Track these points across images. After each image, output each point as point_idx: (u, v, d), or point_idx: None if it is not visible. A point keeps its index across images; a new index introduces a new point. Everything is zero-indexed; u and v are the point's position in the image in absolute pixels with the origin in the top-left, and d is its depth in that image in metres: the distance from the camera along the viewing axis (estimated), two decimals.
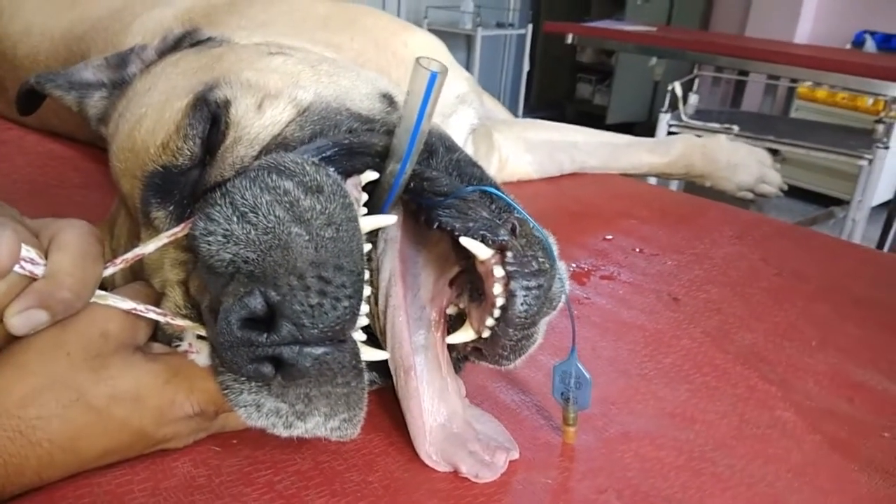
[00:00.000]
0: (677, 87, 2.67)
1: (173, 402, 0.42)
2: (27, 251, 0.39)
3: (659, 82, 4.51)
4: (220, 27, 0.75)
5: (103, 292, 0.43)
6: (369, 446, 0.48)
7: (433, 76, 0.42)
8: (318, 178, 0.39)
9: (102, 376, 0.41)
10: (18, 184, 0.88)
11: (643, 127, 4.78)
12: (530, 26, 4.63)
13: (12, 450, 0.38)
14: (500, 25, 4.78)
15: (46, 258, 0.41)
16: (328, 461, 0.46)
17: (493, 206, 0.47)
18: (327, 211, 0.38)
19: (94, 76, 0.60)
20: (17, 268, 0.39)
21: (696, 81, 3.01)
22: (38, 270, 0.40)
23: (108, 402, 0.40)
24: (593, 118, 4.84)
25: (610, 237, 0.91)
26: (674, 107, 2.71)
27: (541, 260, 0.44)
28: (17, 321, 0.39)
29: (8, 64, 1.08)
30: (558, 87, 5.78)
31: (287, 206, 0.38)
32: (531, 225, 0.46)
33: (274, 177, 0.39)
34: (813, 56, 2.85)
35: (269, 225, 0.38)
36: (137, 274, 0.48)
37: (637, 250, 0.88)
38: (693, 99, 2.83)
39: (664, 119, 2.70)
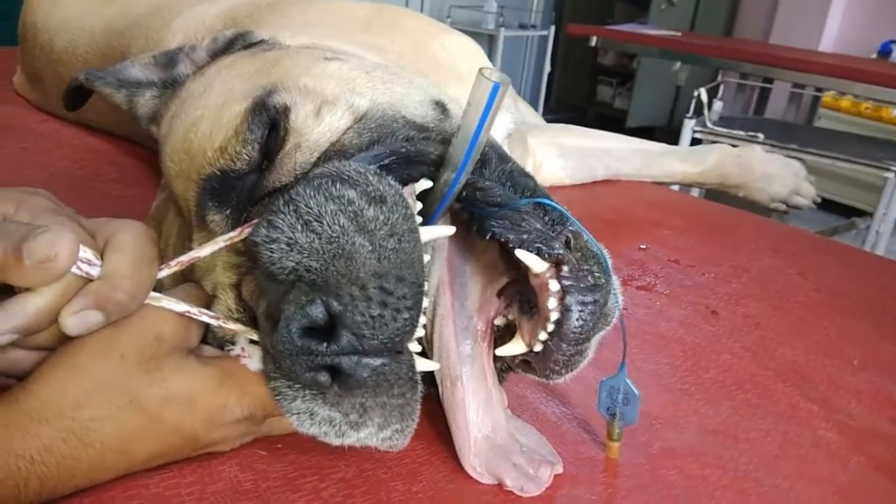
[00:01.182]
0: (703, 94, 2.65)
1: (224, 407, 0.42)
2: (84, 252, 0.39)
3: (681, 87, 4.49)
4: (263, 26, 0.75)
5: (157, 294, 0.43)
6: (413, 455, 0.48)
7: (496, 87, 0.41)
8: (381, 189, 0.39)
9: (156, 379, 0.41)
10: (56, 177, 0.88)
11: (663, 131, 4.75)
12: (553, 28, 4.62)
13: (65, 451, 0.38)
14: (522, 26, 4.78)
15: (102, 259, 0.41)
16: (372, 469, 0.46)
17: (547, 218, 0.46)
18: (390, 222, 0.38)
19: (143, 74, 0.60)
20: (73, 268, 0.39)
21: (721, 87, 2.99)
22: (94, 271, 0.40)
23: (160, 405, 0.40)
24: (613, 121, 4.82)
25: (645, 247, 0.90)
26: (698, 112, 2.69)
27: (596, 275, 0.44)
28: (72, 322, 0.39)
29: (45, 57, 1.09)
30: (579, 89, 5.76)
31: (351, 215, 0.38)
32: (586, 238, 0.45)
33: (338, 186, 0.39)
34: (838, 65, 2.82)
35: (334, 234, 0.37)
36: (187, 276, 0.48)
37: (673, 261, 0.87)
38: (717, 105, 2.81)
39: (689, 125, 2.68)
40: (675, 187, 1.61)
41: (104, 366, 0.40)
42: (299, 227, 0.38)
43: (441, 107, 0.52)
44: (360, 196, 0.38)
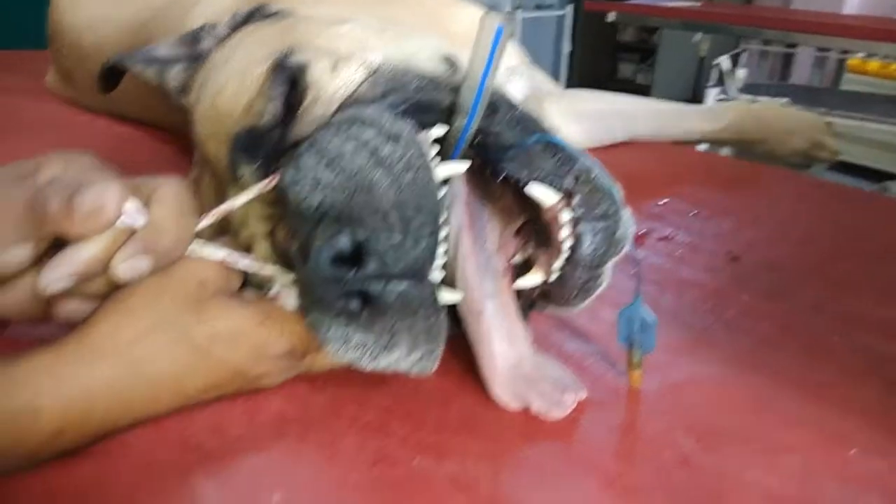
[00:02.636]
0: (724, 62, 2.63)
1: (267, 342, 0.45)
2: (130, 203, 0.43)
3: (704, 58, 4.44)
4: (282, 2, 0.79)
5: (199, 244, 0.46)
6: (445, 386, 0.51)
7: (499, 29, 0.44)
8: (396, 128, 0.42)
9: (203, 318, 0.44)
10: None
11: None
12: (570, 6, 4.60)
13: (126, 385, 0.42)
14: (539, 7, 4.76)
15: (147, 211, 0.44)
16: (408, 398, 0.49)
17: (557, 157, 0.49)
18: (405, 157, 0.41)
19: (169, 52, 0.63)
20: (120, 219, 0.42)
21: (744, 55, 2.96)
22: (140, 222, 0.43)
23: (209, 341, 0.44)
24: None
25: (664, 201, 0.92)
26: (721, 82, 2.67)
27: (607, 204, 0.46)
28: (122, 268, 0.42)
29: (74, 55, 1.14)
30: (600, 67, 5.72)
31: (369, 152, 0.41)
32: (595, 173, 0.48)
33: (356, 127, 0.42)
34: (864, 26, 2.77)
35: (354, 170, 0.40)
36: (224, 231, 0.52)
37: (693, 213, 0.88)
38: (741, 73, 2.79)
39: (711, 94, 2.67)
40: (703, 147, 1.62)
41: (155, 307, 0.44)
42: (323, 166, 0.41)
43: (450, 62, 0.55)
44: (376, 134, 0.41)
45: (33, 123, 1.08)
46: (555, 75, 4.92)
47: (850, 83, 3.55)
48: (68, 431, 0.40)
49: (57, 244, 0.43)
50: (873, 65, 3.50)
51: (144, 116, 1.08)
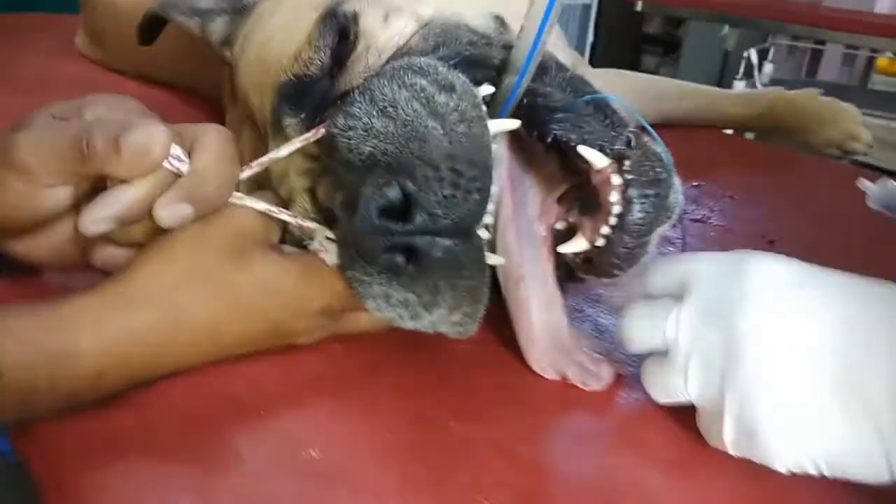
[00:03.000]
0: (753, 55, 2.60)
1: (306, 297, 0.45)
2: (174, 149, 0.42)
3: (729, 53, 4.38)
4: None
5: (239, 194, 0.45)
6: (481, 354, 0.50)
7: None
8: (451, 78, 0.41)
9: (243, 267, 0.43)
10: None
11: None
12: None
13: (163, 330, 0.41)
14: None
15: (189, 158, 0.43)
16: (443, 364, 0.49)
17: (608, 121, 0.48)
18: (460, 108, 0.40)
19: (213, 4, 0.62)
20: (165, 163, 0.41)
21: (771, 50, 2.92)
22: (184, 168, 0.42)
23: (249, 291, 0.43)
24: None
25: (698, 184, 0.90)
26: (748, 75, 2.64)
27: (658, 170, 0.45)
28: (165, 213, 0.41)
29: (108, 13, 1.13)
30: (623, 59, 5.65)
31: (424, 101, 0.40)
32: (646, 138, 0.47)
33: (410, 75, 0.41)
34: (895, 25, 2.72)
35: (408, 118, 0.39)
36: (262, 186, 0.51)
37: (728, 196, 0.87)
38: (768, 68, 2.75)
39: (738, 87, 2.63)
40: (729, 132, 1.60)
41: (196, 255, 0.43)
42: (375, 114, 0.40)
43: (501, 20, 0.53)
44: (431, 83, 0.40)
45: (63, 83, 1.07)
46: None
47: (879, 84, 3.49)
48: (108, 375, 0.40)
49: (96, 189, 0.43)
50: None
51: (176, 80, 1.07)
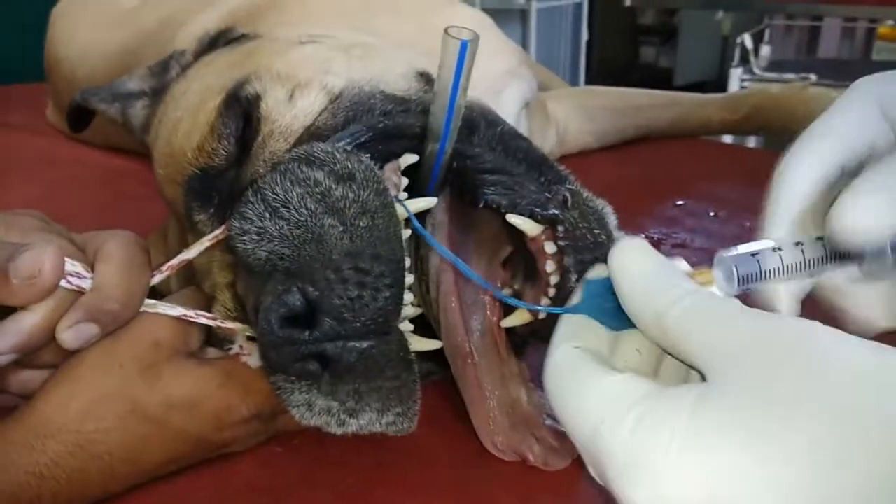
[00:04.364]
0: (747, 40, 2.53)
1: (229, 406, 0.42)
2: (72, 265, 0.39)
3: (728, 37, 4.31)
4: (263, 25, 0.75)
5: (152, 301, 0.42)
6: (433, 440, 0.46)
7: (464, 45, 0.39)
8: (350, 166, 0.38)
9: (156, 385, 0.40)
10: (85, 200, 0.91)
11: (714, 86, 4.58)
12: None
13: (74, 464, 0.39)
14: None
15: (93, 271, 0.41)
16: (392, 458, 0.45)
17: (542, 179, 0.44)
18: (360, 199, 0.37)
19: (136, 86, 0.60)
20: (63, 283, 0.39)
21: (768, 31, 2.85)
22: (86, 284, 0.40)
23: (164, 410, 0.40)
24: (659, 82, 4.66)
25: (681, 202, 0.86)
26: (745, 60, 2.58)
27: (596, 232, 0.41)
28: (68, 336, 0.39)
29: (69, 87, 1.11)
30: (620, 53, 5.60)
31: (318, 197, 0.37)
32: (584, 196, 0.43)
33: (304, 168, 0.37)
34: None
35: (302, 218, 0.36)
36: (191, 280, 0.48)
37: (711, 214, 0.83)
38: (765, 50, 2.68)
39: (735, 74, 2.57)
40: (728, 138, 1.54)
41: (104, 377, 0.40)
42: (268, 216, 0.37)
43: (426, 78, 0.50)
44: (326, 176, 0.37)
45: (30, 160, 1.06)
46: (574, 65, 4.83)
47: (882, 52, 3.40)
48: None
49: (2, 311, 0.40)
50: None
51: (141, 148, 1.05)
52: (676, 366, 0.30)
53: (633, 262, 0.30)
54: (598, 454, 0.26)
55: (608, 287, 0.31)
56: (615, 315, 0.31)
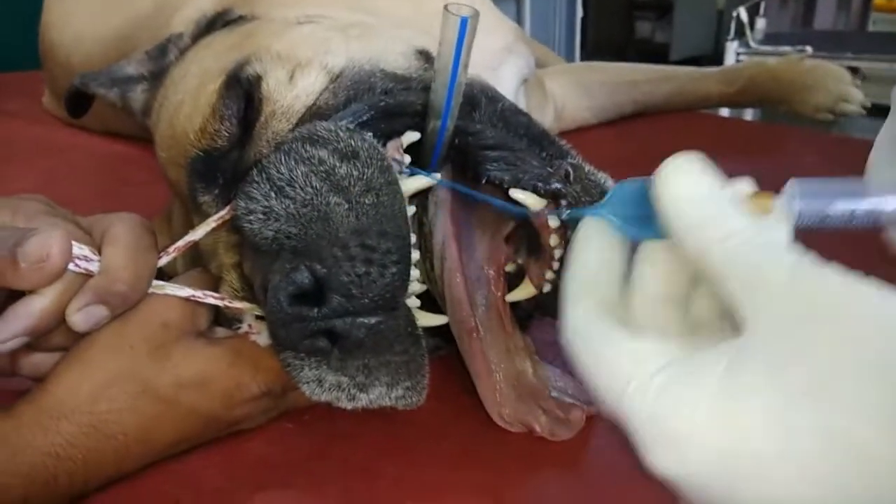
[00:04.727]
0: (742, 13, 2.52)
1: (239, 384, 0.42)
2: (80, 249, 0.40)
3: (723, 11, 4.29)
4: (259, 7, 0.75)
5: (160, 282, 0.43)
6: (440, 414, 0.47)
7: (464, 21, 0.39)
8: (353, 144, 0.38)
9: (166, 366, 0.41)
10: (85, 186, 0.91)
11: (710, 60, 4.56)
12: None
13: (89, 444, 0.39)
14: None
15: (100, 254, 0.41)
16: (401, 432, 0.46)
17: (545, 154, 0.44)
18: (365, 176, 0.37)
19: (135, 70, 0.60)
20: (71, 266, 0.39)
21: (763, 4, 2.84)
22: (93, 267, 0.40)
23: (174, 390, 0.41)
24: (655, 57, 4.64)
25: None
26: (741, 33, 2.57)
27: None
28: (78, 318, 0.39)
29: (65, 73, 1.11)
30: (615, 29, 5.56)
31: (323, 175, 0.37)
32: (586, 170, 0.43)
33: (308, 147, 0.38)
34: None
35: (308, 197, 0.37)
36: (197, 261, 0.49)
37: None
38: (760, 23, 2.67)
39: (731, 48, 2.56)
40: (726, 111, 1.54)
41: (115, 358, 0.41)
42: (273, 195, 0.37)
43: (426, 56, 0.50)
44: (331, 154, 0.37)
45: (28, 149, 1.06)
46: (569, 43, 4.80)
47: (879, 23, 3.38)
48: (34, 500, 0.38)
49: (13, 295, 0.40)
50: None
51: (140, 133, 1.05)
52: (709, 308, 0.29)
53: (685, 184, 0.28)
54: (624, 420, 0.25)
55: (642, 194, 0.30)
56: (641, 224, 0.30)
